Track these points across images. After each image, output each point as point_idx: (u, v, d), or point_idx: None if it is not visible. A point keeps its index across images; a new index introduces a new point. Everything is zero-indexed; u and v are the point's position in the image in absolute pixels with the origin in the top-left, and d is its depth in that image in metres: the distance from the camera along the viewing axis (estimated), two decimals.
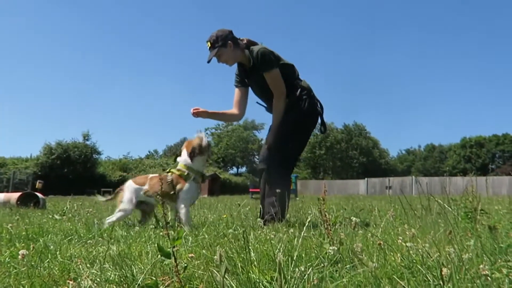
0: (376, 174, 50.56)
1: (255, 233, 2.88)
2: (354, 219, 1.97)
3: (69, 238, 2.94)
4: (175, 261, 1.43)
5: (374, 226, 3.51)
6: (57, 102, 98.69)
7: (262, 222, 3.69)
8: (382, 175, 48.75)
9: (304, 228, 1.79)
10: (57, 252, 2.20)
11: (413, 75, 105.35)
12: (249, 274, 1.54)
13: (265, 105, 4.25)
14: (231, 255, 1.96)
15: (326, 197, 2.14)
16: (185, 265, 1.62)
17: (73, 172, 39.79)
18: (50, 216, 5.21)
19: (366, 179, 38.52)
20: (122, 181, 39.66)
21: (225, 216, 4.49)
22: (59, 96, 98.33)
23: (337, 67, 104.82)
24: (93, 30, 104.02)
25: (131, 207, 3.93)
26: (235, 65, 4.23)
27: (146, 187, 3.94)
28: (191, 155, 3.87)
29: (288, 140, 3.98)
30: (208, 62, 4.01)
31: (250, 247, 1.82)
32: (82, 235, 3.14)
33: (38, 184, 22.86)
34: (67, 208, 6.34)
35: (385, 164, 69.09)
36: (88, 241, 2.79)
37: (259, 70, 3.93)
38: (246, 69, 4.13)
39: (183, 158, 3.90)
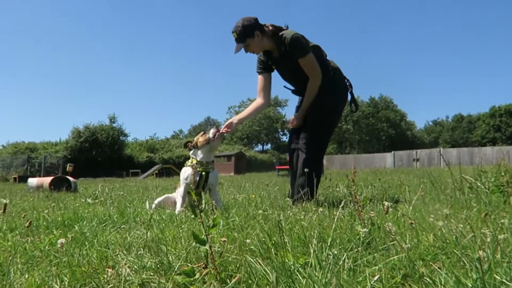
0: (403, 146, 49.95)
1: (284, 214, 2.90)
2: (386, 203, 1.95)
3: (103, 224, 3.01)
4: (210, 249, 1.46)
5: (404, 202, 3.50)
6: (83, 85, 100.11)
7: (291, 201, 3.72)
8: (409, 147, 48.18)
9: (337, 213, 1.80)
10: (94, 240, 2.26)
11: (439, 44, 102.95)
12: (283, 259, 1.55)
13: (293, 88, 4.23)
14: (263, 239, 1.98)
15: (352, 169, 2.14)
16: (220, 251, 1.65)
17: (101, 155, 40.46)
18: (83, 200, 5.34)
19: (393, 152, 38.08)
20: (150, 162, 39.92)
21: (253, 196, 4.52)
22: (84, 80, 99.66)
23: (361, 37, 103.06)
24: (116, 12, 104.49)
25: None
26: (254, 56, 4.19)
27: None
28: (187, 147, 4.02)
29: (324, 122, 3.99)
30: (235, 53, 3.94)
31: (283, 231, 1.84)
32: (115, 219, 3.21)
33: (69, 168, 23.32)
34: (98, 191, 6.47)
35: (412, 136, 68.20)
36: (122, 226, 2.86)
37: (292, 55, 3.86)
38: (273, 56, 4.07)
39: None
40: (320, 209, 3.00)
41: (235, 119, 4.11)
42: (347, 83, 4.12)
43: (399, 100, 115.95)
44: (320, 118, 3.97)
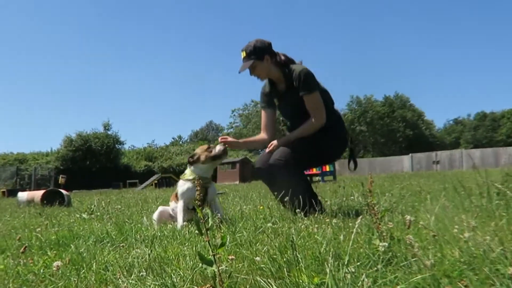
0: (421, 148, 49.81)
1: (296, 227, 2.90)
2: (407, 217, 1.95)
3: (101, 242, 3.02)
4: (218, 270, 1.46)
5: (425, 211, 3.48)
6: (74, 91, 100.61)
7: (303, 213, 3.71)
8: (428, 149, 48.04)
9: (355, 228, 1.79)
10: (92, 261, 2.26)
11: (459, 38, 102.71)
12: (297, 279, 1.55)
13: (290, 125, 4.28)
14: (274, 256, 1.98)
15: (369, 178, 2.14)
16: (229, 271, 1.65)
17: (95, 164, 40.63)
18: (78, 216, 5.35)
19: (410, 154, 37.97)
20: (148, 171, 40.06)
21: (261, 207, 4.52)
22: (76, 85, 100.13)
23: (375, 32, 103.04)
24: (109, 11, 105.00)
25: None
26: (260, 84, 4.27)
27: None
28: (188, 162, 3.97)
29: (311, 157, 4.02)
30: (239, 72, 4.00)
31: (295, 248, 1.84)
32: (114, 237, 3.22)
33: (61, 179, 23.45)
34: (94, 205, 6.49)
35: (431, 137, 67.98)
36: (121, 245, 2.87)
37: (299, 90, 3.92)
38: (278, 88, 4.15)
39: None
40: (334, 220, 2.99)
41: (238, 140, 4.19)
42: (348, 137, 4.19)
43: (417, 98, 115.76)
44: (310, 153, 3.98)
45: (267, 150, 4.12)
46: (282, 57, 4.09)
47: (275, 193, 3.84)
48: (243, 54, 3.98)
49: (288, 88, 4.04)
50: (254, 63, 3.96)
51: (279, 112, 4.31)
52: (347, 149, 4.28)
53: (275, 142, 4.09)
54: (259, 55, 3.96)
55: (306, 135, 3.97)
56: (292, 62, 4.12)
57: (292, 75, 3.97)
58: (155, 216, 4.15)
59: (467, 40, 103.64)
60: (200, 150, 3.95)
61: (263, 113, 4.35)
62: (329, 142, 4.02)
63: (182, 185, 3.90)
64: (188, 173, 3.94)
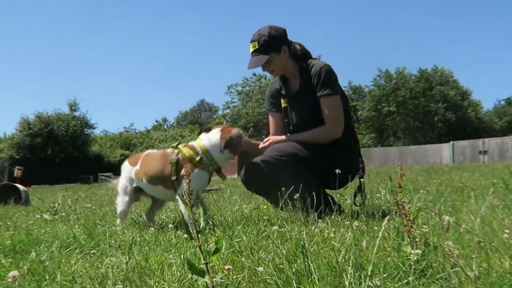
0: (465, 135, 49.71)
1: (308, 231, 2.91)
2: (447, 218, 1.96)
3: (67, 249, 3.04)
4: (212, 282, 1.48)
5: (468, 212, 3.49)
6: (32, 65, 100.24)
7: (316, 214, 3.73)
8: (473, 136, 47.93)
9: (380, 234, 1.79)
10: (57, 271, 2.28)
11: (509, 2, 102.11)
12: None
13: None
14: (281, 266, 1.99)
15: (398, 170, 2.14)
16: (225, 283, 1.66)
17: (59, 153, 40.55)
18: (38, 216, 5.38)
19: (451, 142, 37.92)
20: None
21: (265, 207, 4.53)
22: (34, 58, 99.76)
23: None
24: None
25: (127, 199, 4.15)
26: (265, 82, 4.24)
27: (137, 167, 4.10)
28: (226, 145, 3.75)
29: (314, 167, 3.92)
30: (249, 69, 3.98)
31: (308, 256, 1.85)
32: (83, 242, 3.24)
33: (17, 172, 23.39)
34: (58, 204, 6.51)
35: (477, 121, 67.63)
36: (92, 252, 2.89)
37: (317, 90, 3.90)
38: (290, 85, 4.14)
39: (211, 140, 3.82)
40: (355, 223, 3.00)
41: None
42: (362, 165, 4.17)
43: (460, 73, 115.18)
44: (316, 165, 3.92)
45: (261, 145, 4.11)
46: (298, 47, 4.09)
47: (282, 189, 3.79)
48: (255, 45, 3.92)
49: (303, 86, 4.02)
50: (271, 57, 3.92)
51: (286, 115, 4.25)
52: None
53: (274, 137, 4.10)
54: (276, 45, 3.92)
55: (315, 142, 3.95)
56: (309, 55, 4.13)
57: (310, 71, 3.95)
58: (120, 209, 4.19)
59: None
60: (236, 134, 3.84)
61: (271, 117, 4.35)
62: (340, 163, 3.86)
63: (199, 177, 3.78)
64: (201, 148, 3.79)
